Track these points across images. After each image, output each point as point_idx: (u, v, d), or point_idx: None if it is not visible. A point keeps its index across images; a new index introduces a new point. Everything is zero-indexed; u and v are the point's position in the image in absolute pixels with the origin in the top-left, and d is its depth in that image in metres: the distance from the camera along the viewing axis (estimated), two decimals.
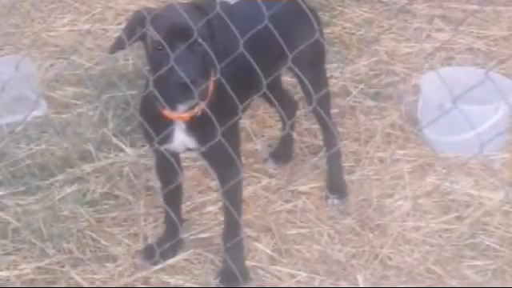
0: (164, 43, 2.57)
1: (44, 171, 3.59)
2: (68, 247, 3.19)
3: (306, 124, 3.87)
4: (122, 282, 3.03)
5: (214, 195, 3.43)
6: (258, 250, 3.17)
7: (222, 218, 3.10)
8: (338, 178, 3.44)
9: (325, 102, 3.29)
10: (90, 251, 3.18)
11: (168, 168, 2.98)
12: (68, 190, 3.48)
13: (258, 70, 2.48)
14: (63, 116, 4.01)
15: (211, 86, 2.71)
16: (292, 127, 3.68)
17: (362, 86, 4.19)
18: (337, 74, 4.27)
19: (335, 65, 4.34)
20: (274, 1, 2.82)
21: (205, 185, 3.52)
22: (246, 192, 3.32)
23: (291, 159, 3.67)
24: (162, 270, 3.09)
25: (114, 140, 3.79)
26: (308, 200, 3.43)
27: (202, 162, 3.40)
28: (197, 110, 2.73)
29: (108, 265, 3.11)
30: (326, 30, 4.48)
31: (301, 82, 3.20)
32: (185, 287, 3.02)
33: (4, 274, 3.08)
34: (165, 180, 3.06)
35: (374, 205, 3.37)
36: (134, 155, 3.68)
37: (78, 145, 3.75)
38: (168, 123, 2.78)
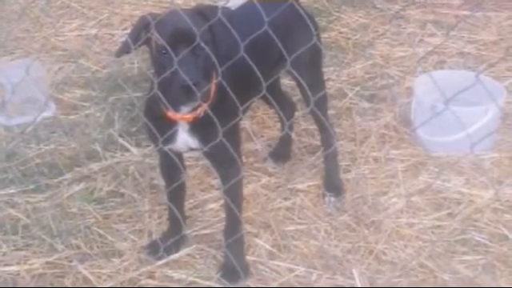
0: (168, 47, 2.56)
1: (53, 170, 3.59)
2: (76, 243, 3.18)
3: (304, 125, 3.86)
4: (128, 276, 3.02)
5: (216, 193, 3.43)
6: (258, 245, 3.17)
7: (223, 215, 3.09)
8: (334, 176, 3.44)
9: (322, 103, 3.28)
10: (97, 247, 3.17)
11: (172, 167, 2.97)
12: (76, 188, 3.48)
13: (258, 73, 2.48)
14: (71, 117, 4.01)
15: (213, 88, 2.71)
16: (291, 128, 3.68)
17: (357, 88, 4.19)
18: (333, 76, 4.27)
19: (332, 68, 4.34)
20: (273, 2, 2.82)
21: (207, 183, 3.52)
22: (247, 190, 3.32)
23: (290, 158, 3.66)
24: (166, 264, 3.08)
25: (120, 140, 3.79)
26: (306, 198, 3.42)
27: (205, 162, 3.40)
28: (199, 112, 2.73)
29: (114, 260, 3.11)
30: (324, 35, 4.49)
31: (299, 84, 3.19)
32: (188, 282, 3.01)
33: (15, 268, 3.08)
34: (169, 178, 3.05)
35: (369, 202, 3.37)
36: (139, 155, 3.68)
37: (85, 145, 3.75)
38: (172, 124, 2.78)
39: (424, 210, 3.34)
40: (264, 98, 3.22)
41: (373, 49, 4.55)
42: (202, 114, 2.73)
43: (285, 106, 3.57)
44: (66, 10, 5.04)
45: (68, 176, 3.55)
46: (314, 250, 3.13)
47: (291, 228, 3.26)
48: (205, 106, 2.69)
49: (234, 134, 2.83)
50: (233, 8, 2.99)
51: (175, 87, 2.57)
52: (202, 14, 2.65)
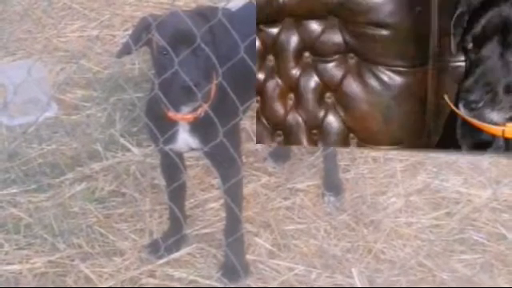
0: (168, 48, 2.56)
1: (55, 170, 3.59)
2: (78, 242, 3.18)
3: None
4: (129, 275, 3.03)
5: (216, 193, 3.43)
6: (258, 244, 3.17)
7: (223, 215, 3.10)
8: (334, 176, 3.44)
9: None
10: (99, 246, 3.18)
11: (172, 167, 2.97)
12: (77, 187, 3.48)
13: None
14: (73, 117, 4.01)
15: (213, 88, 2.72)
16: None
17: None
18: None
19: None
20: None
21: (207, 183, 3.52)
22: (247, 189, 3.32)
23: (289, 158, 3.66)
24: (167, 263, 3.09)
25: (121, 140, 3.79)
26: (305, 197, 3.42)
27: (205, 161, 3.40)
28: (200, 112, 2.73)
29: (115, 259, 3.11)
30: None
31: None
32: (188, 281, 3.02)
33: (17, 267, 3.08)
34: (169, 178, 3.05)
35: (368, 202, 3.37)
36: (140, 155, 3.68)
37: (87, 145, 3.75)
38: (172, 124, 2.78)
39: (422, 210, 3.34)
40: None
41: None
42: (202, 115, 2.73)
43: None
44: (68, 11, 5.04)
45: (70, 176, 3.55)
46: (314, 249, 3.14)
47: (291, 227, 3.26)
48: (205, 107, 2.69)
49: (234, 134, 2.84)
50: (233, 9, 3.00)
51: (176, 88, 2.57)
52: (202, 15, 2.65)
